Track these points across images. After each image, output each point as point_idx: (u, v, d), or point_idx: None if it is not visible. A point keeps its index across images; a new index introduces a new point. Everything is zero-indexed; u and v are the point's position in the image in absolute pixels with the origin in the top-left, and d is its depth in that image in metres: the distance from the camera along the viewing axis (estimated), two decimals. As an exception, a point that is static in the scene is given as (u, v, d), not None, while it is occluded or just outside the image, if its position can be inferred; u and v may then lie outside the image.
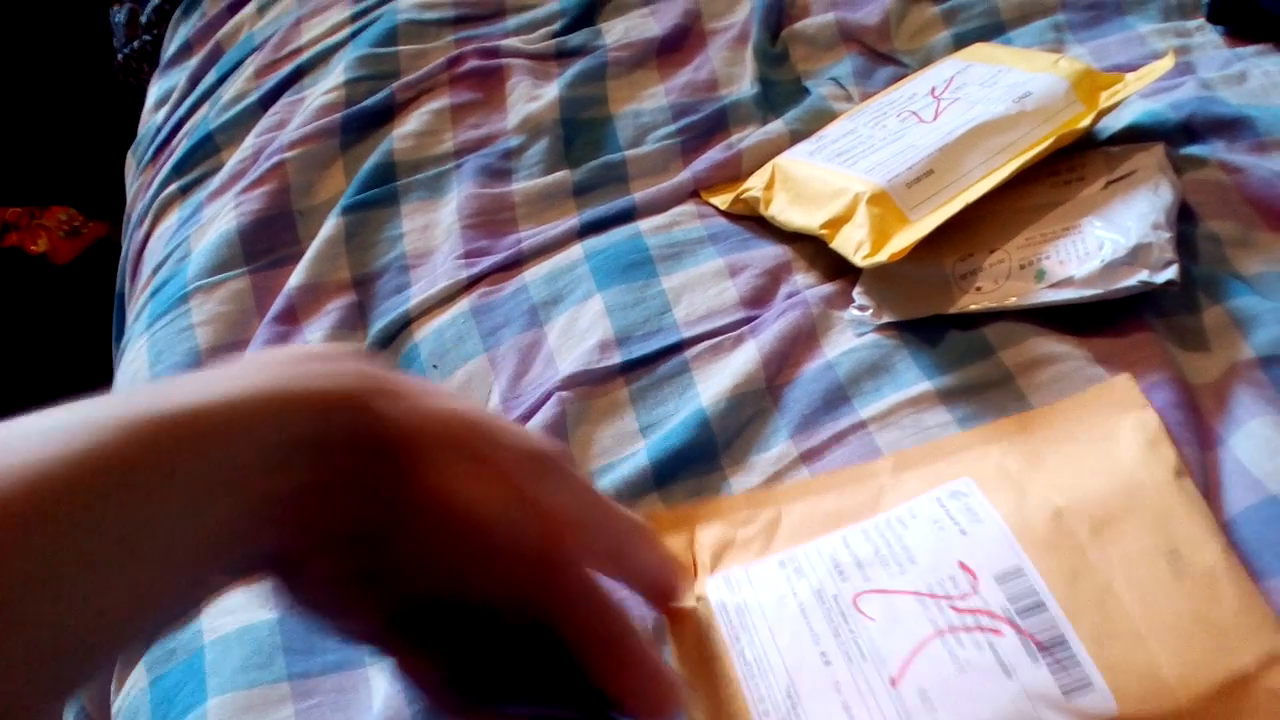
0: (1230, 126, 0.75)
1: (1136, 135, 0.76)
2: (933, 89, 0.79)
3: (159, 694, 0.61)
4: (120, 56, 1.26)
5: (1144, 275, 0.62)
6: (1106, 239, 0.64)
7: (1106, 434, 0.58)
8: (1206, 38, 0.85)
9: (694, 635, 0.55)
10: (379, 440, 0.37)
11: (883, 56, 0.92)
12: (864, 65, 0.91)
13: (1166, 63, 0.73)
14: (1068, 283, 0.63)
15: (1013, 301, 0.65)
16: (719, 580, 0.56)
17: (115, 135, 1.36)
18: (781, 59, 0.93)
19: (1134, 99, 0.78)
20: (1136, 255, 0.63)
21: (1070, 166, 0.72)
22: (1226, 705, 0.48)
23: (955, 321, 0.66)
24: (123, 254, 0.97)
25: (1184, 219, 0.69)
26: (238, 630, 0.62)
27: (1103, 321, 0.63)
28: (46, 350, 1.68)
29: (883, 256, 0.66)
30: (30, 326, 1.73)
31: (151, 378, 0.77)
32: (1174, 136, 0.75)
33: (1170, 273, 0.62)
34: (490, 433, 0.41)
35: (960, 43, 0.89)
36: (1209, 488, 0.56)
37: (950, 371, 0.64)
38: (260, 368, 0.36)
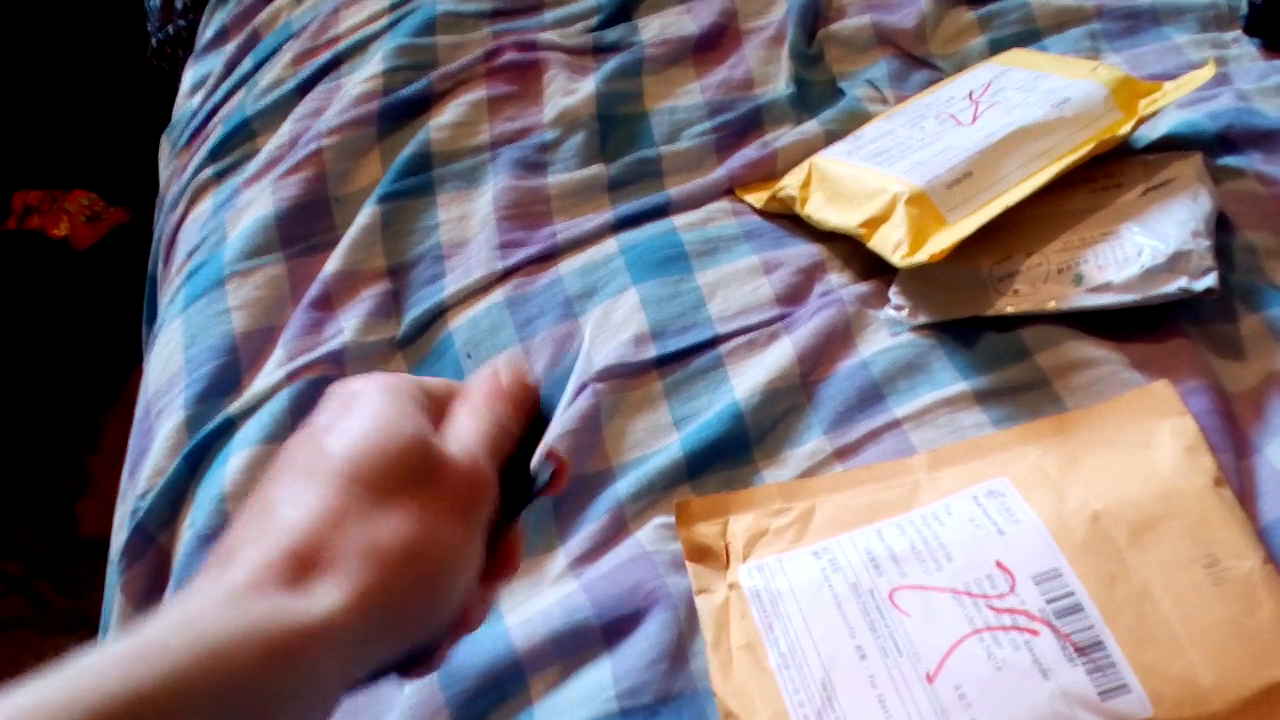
0: (1267, 138, 0.75)
1: (1174, 144, 0.76)
2: (971, 93, 0.79)
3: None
4: (154, 41, 1.26)
5: (1183, 282, 0.62)
6: (1146, 245, 0.64)
7: (1144, 439, 0.58)
8: (1243, 49, 0.85)
9: (726, 620, 0.55)
10: None
11: (918, 60, 0.92)
12: (899, 68, 0.91)
13: (1206, 72, 0.74)
14: (1106, 288, 0.64)
15: (1051, 305, 0.65)
16: (752, 568, 0.57)
17: (141, 121, 1.37)
18: (817, 60, 0.94)
19: (1171, 109, 0.78)
20: (1176, 262, 0.63)
21: (1108, 173, 0.72)
22: (1262, 711, 0.48)
23: (991, 323, 0.66)
24: (155, 237, 0.98)
25: (1221, 229, 0.69)
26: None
27: (1140, 327, 0.64)
28: (66, 331, 1.69)
29: (922, 257, 0.66)
30: (51, 309, 1.73)
31: (187, 359, 0.77)
32: (1211, 147, 0.75)
33: (1210, 280, 0.62)
34: None
35: (996, 48, 0.89)
36: (1245, 495, 0.56)
37: (986, 372, 0.64)
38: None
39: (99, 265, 1.83)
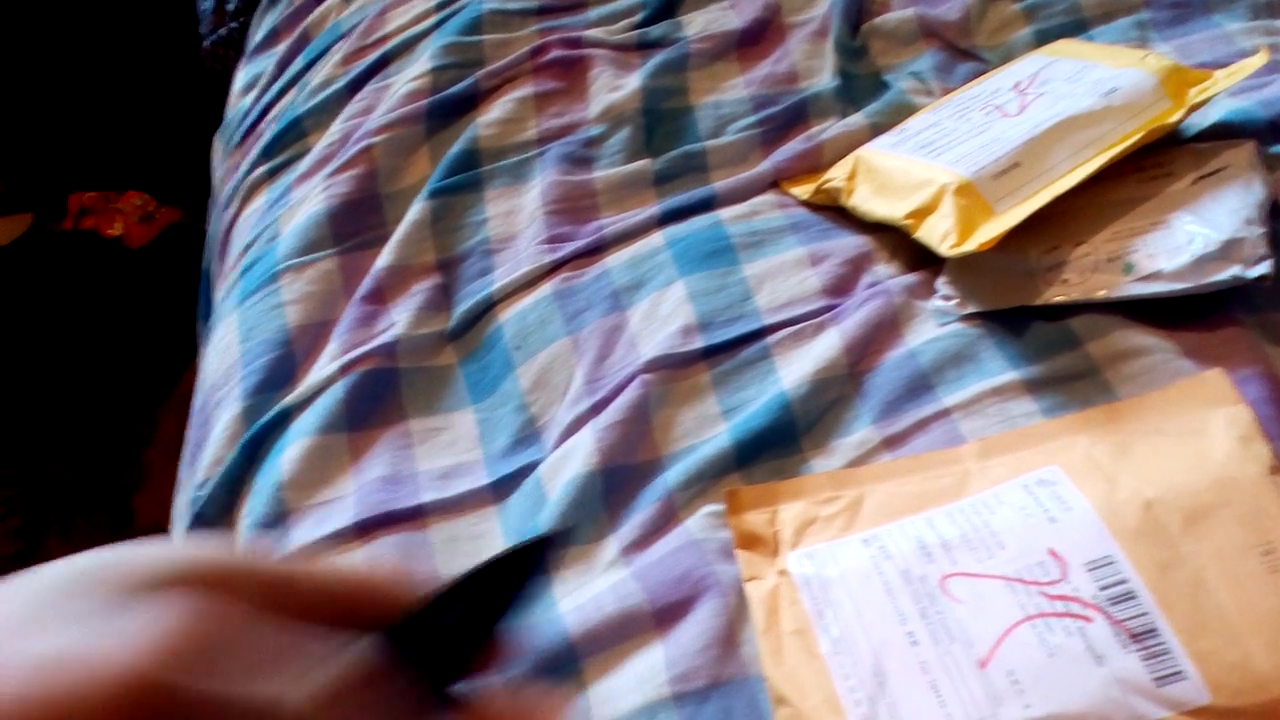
0: (1321, 126, 0.75)
1: (1225, 133, 0.75)
2: (1017, 84, 0.79)
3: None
4: (207, 43, 1.29)
5: (1237, 270, 0.62)
6: (1197, 233, 0.64)
7: (1197, 428, 0.58)
8: (1296, 37, 0.84)
9: (777, 607, 0.56)
10: None
11: (963, 52, 0.92)
12: (944, 60, 0.91)
13: (1259, 59, 0.73)
14: (1157, 276, 0.63)
15: (1101, 294, 0.65)
16: (802, 555, 0.57)
17: (194, 122, 1.40)
18: (861, 53, 0.94)
19: (1222, 97, 0.77)
20: (1229, 250, 0.62)
21: (1158, 162, 0.72)
22: (1320, 698, 0.48)
23: (1040, 313, 0.66)
24: (209, 234, 1.00)
25: (1275, 217, 0.68)
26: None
27: (1191, 315, 0.63)
28: (121, 329, 1.72)
29: (970, 246, 0.66)
30: (106, 307, 1.77)
31: (243, 352, 0.79)
32: (1264, 134, 0.74)
33: (1264, 267, 0.61)
34: None
35: (1042, 40, 0.89)
36: (1300, 483, 0.56)
37: (1036, 362, 0.64)
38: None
39: (152, 264, 1.86)
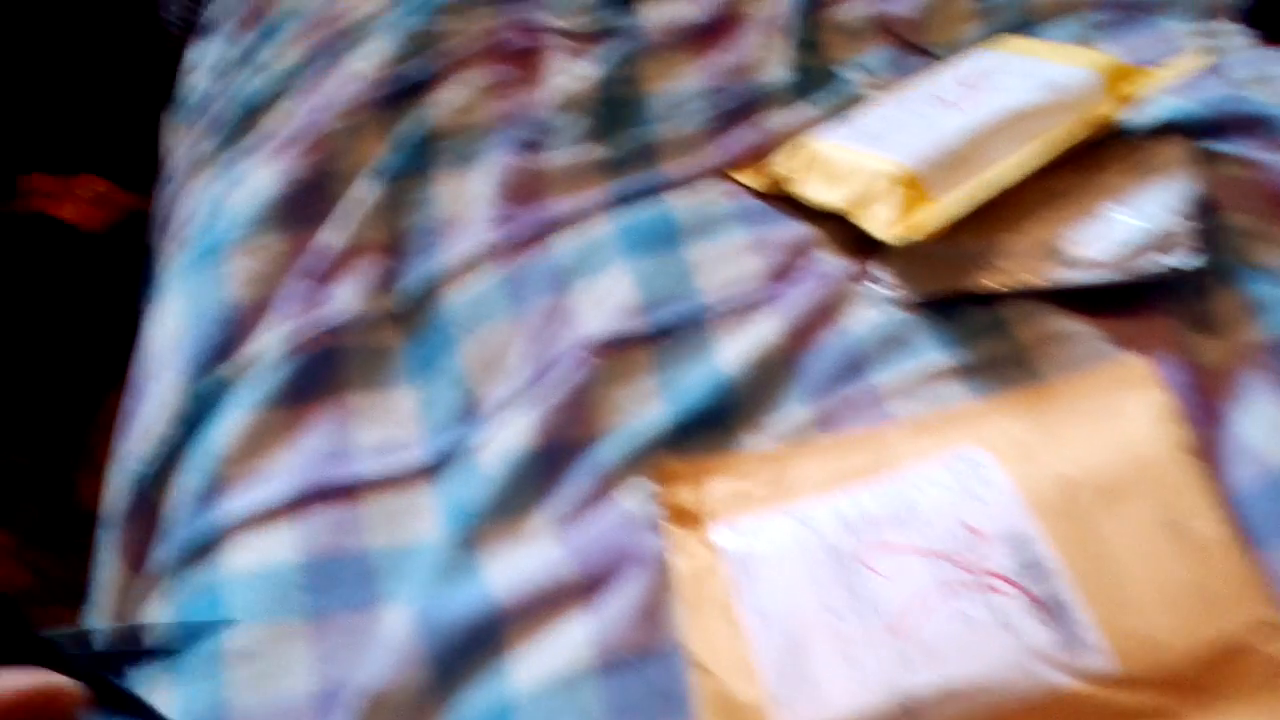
0: (1255, 125, 0.76)
1: (1163, 130, 0.77)
2: (963, 78, 0.80)
3: (177, 628, 0.63)
4: (166, 23, 1.28)
5: (1163, 259, 0.63)
6: (1127, 224, 0.65)
7: (1117, 410, 0.59)
8: (1236, 40, 0.86)
9: (701, 579, 0.56)
10: None
11: (915, 48, 0.93)
12: (896, 55, 0.92)
13: (1195, 60, 0.74)
14: (1087, 264, 0.64)
15: (1032, 281, 0.66)
16: (728, 529, 0.58)
17: (153, 106, 1.39)
18: (814, 46, 0.95)
19: (1162, 96, 0.79)
20: (1157, 240, 0.64)
21: (1095, 154, 0.73)
22: (1219, 667, 0.49)
23: (973, 299, 0.67)
24: (153, 211, 0.99)
25: (1205, 211, 0.69)
26: (260, 568, 0.64)
27: (1118, 303, 0.65)
28: (72, 311, 1.71)
29: (910, 234, 0.67)
30: (58, 289, 1.75)
31: (185, 326, 0.78)
32: (1200, 132, 0.76)
33: (1190, 258, 0.62)
34: None
35: (991, 37, 0.90)
36: (1214, 464, 0.57)
37: (966, 346, 0.65)
38: None
39: (107, 248, 1.84)
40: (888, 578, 0.53)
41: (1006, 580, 0.52)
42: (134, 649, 0.57)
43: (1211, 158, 0.74)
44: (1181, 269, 0.62)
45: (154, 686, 0.61)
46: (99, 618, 0.69)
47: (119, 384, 0.84)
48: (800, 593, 0.53)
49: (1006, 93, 0.75)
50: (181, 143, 1.02)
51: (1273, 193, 0.72)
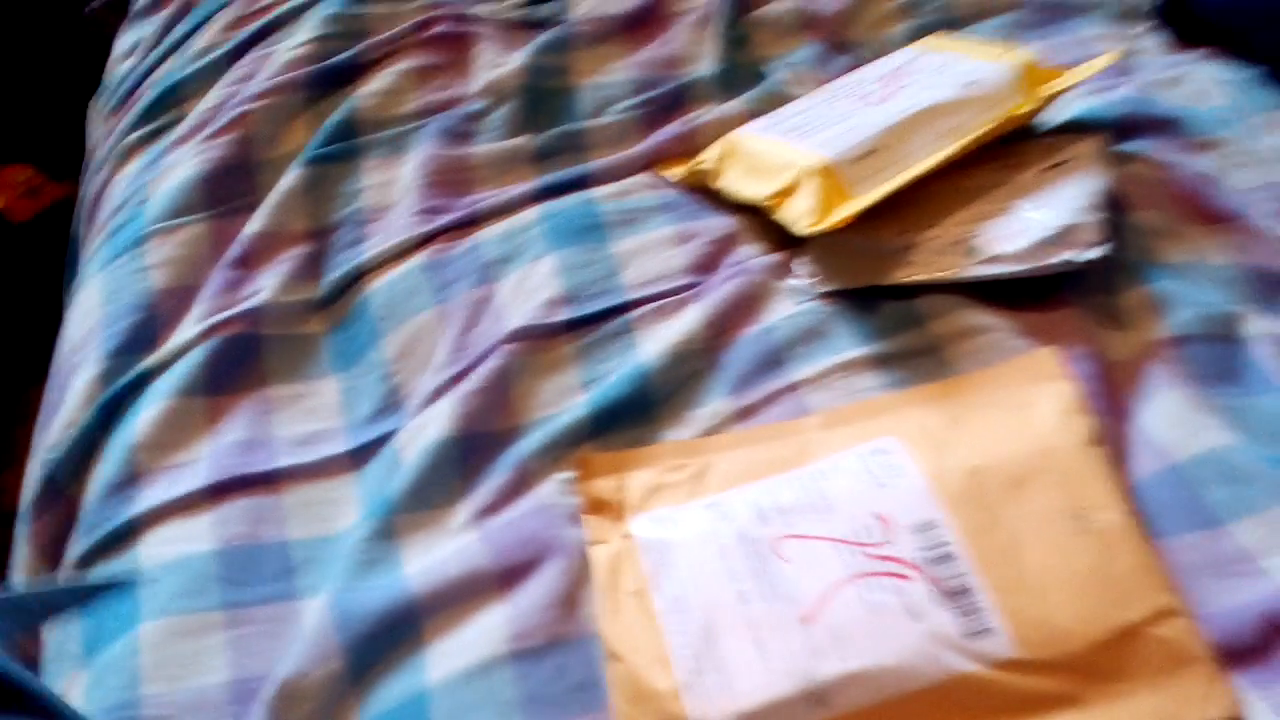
0: (1163, 126, 0.79)
1: (1076, 129, 0.79)
2: (885, 74, 0.81)
3: (91, 617, 0.62)
4: (89, 9, 1.26)
5: (1070, 254, 0.64)
6: (1037, 219, 0.66)
7: (1026, 401, 0.60)
8: (1150, 43, 0.88)
9: (618, 569, 0.57)
10: None
11: (841, 46, 0.94)
12: (822, 53, 0.93)
13: (1107, 59, 0.76)
14: (998, 259, 0.66)
15: (946, 275, 0.67)
16: (646, 519, 0.58)
17: (82, 95, 1.36)
18: (743, 42, 0.95)
19: (1076, 96, 0.81)
20: (1065, 235, 0.65)
21: (1010, 153, 0.74)
22: (1118, 651, 0.50)
23: (891, 293, 0.69)
24: (79, 199, 0.98)
25: (1114, 209, 0.71)
26: (175, 559, 0.63)
27: (1029, 297, 0.66)
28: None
29: (824, 226, 0.68)
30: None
31: (104, 315, 0.77)
32: (1110, 131, 0.78)
33: (1095, 252, 0.64)
34: None
35: (917, 36, 0.92)
36: (1119, 455, 0.59)
37: (882, 339, 0.66)
38: None
39: (35, 239, 1.81)
40: (800, 566, 0.54)
41: (914, 567, 0.53)
42: (50, 597, 0.57)
43: (1122, 158, 0.76)
44: (1088, 261, 0.64)
45: (67, 679, 0.60)
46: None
47: (44, 380, 0.83)
48: (714, 582, 0.54)
49: (925, 89, 0.77)
50: (107, 129, 1.00)
51: (1180, 192, 0.74)
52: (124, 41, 1.09)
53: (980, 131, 0.72)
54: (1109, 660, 0.50)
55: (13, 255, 1.77)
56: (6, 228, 1.82)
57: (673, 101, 0.90)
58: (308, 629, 0.58)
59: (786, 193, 0.73)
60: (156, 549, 0.64)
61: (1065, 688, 0.50)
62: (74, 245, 0.97)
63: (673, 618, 0.54)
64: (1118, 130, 0.78)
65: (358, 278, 0.78)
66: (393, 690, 0.55)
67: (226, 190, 0.85)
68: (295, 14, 0.98)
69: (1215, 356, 0.63)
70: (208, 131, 0.88)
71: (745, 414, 0.65)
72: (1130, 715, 0.49)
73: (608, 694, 0.53)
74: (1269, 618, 0.52)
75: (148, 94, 0.98)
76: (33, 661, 0.64)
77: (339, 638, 0.57)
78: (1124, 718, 0.49)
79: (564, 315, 0.72)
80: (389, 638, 0.57)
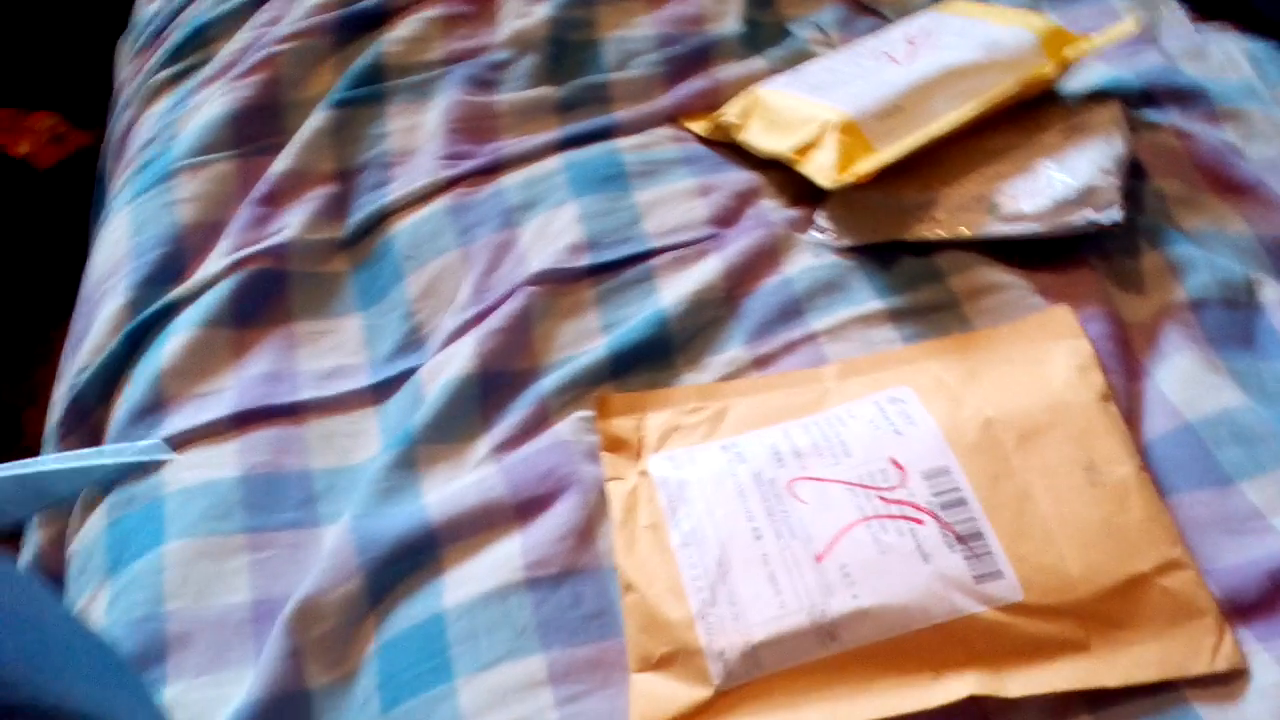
0: (1186, 96, 0.79)
1: (1098, 96, 0.79)
2: (909, 35, 0.82)
3: (116, 535, 0.63)
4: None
5: (1090, 215, 0.65)
6: (1058, 179, 0.67)
7: (1041, 357, 0.61)
8: (1173, 14, 0.89)
9: (635, 504, 0.58)
10: None
11: (865, 8, 0.95)
12: (846, 14, 0.94)
13: (1130, 25, 0.77)
14: (1018, 217, 0.67)
15: (965, 232, 0.68)
16: (663, 458, 0.59)
17: (107, 42, 1.37)
18: (769, 2, 0.96)
19: (1098, 63, 0.81)
20: (1085, 196, 0.66)
21: (1032, 115, 0.75)
22: (1125, 600, 0.52)
23: (910, 248, 0.69)
24: (107, 136, 0.98)
25: (1135, 175, 0.72)
26: (200, 484, 0.64)
27: (1048, 257, 0.67)
28: (22, 247, 1.68)
29: (848, 178, 0.69)
30: (8, 225, 1.73)
31: (132, 246, 0.78)
32: (1133, 100, 0.78)
33: (1114, 214, 0.65)
34: None
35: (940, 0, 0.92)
36: (1133, 414, 0.60)
37: (901, 293, 0.67)
38: None
39: (59, 185, 1.82)
40: (813, 506, 0.55)
41: (926, 511, 0.54)
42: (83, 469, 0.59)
43: (1145, 126, 0.76)
44: (1106, 224, 0.65)
45: (90, 594, 0.61)
46: (40, 536, 0.69)
47: (66, 322, 0.84)
48: (729, 519, 0.55)
49: (948, 50, 0.77)
50: (134, 69, 1.01)
51: (1200, 162, 0.74)
52: (152, -18, 1.10)
53: (1004, 93, 0.73)
54: (1115, 609, 0.51)
55: (37, 201, 1.78)
56: (31, 174, 1.83)
57: (697, 58, 0.90)
58: (328, 551, 0.59)
59: (810, 146, 0.73)
60: (181, 473, 0.65)
61: (1071, 634, 0.51)
62: (100, 185, 0.98)
63: (687, 551, 0.55)
64: (1140, 99, 0.79)
65: (382, 219, 0.79)
66: (410, 612, 0.56)
67: (254, 129, 0.85)
68: (324, -42, 0.98)
69: (1231, 321, 0.64)
70: (236, 72, 0.89)
71: (763, 362, 0.66)
72: (1135, 663, 0.50)
73: (622, 623, 0.54)
74: (1275, 575, 0.53)
75: (175, 34, 0.98)
76: (57, 577, 0.66)
77: (358, 560, 0.58)
78: (1129, 665, 0.50)
79: (585, 260, 0.73)
80: (408, 562, 0.58)
